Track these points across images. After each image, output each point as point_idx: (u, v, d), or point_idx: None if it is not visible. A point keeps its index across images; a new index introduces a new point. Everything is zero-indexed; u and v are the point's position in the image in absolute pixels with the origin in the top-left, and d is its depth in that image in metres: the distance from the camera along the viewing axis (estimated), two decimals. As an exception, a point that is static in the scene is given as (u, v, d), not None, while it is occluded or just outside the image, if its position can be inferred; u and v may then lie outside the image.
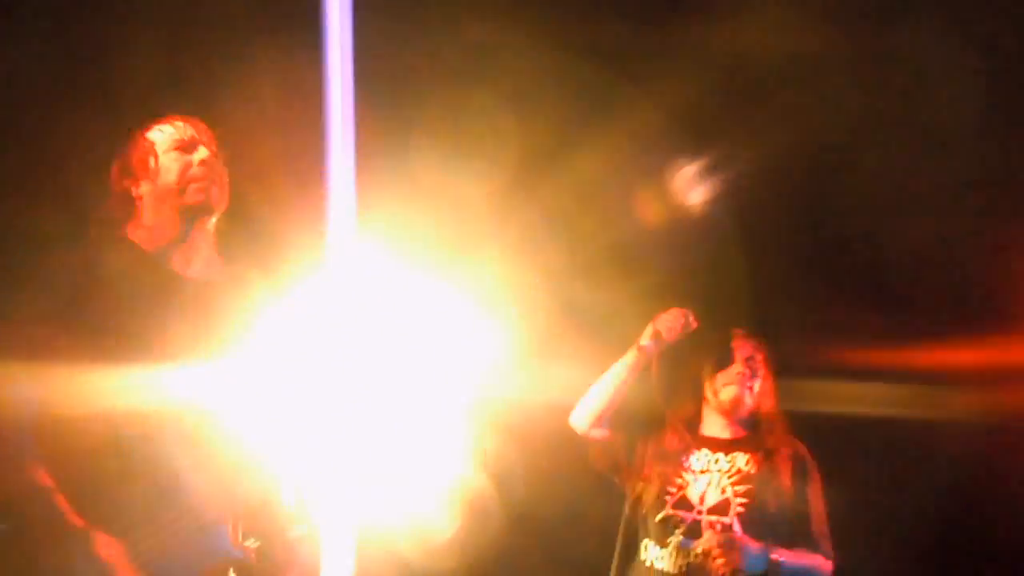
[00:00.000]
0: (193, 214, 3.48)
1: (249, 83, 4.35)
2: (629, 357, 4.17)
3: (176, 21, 4.38)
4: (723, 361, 4.14)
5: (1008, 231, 4.83)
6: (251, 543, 3.56)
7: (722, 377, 4.12)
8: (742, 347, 4.16)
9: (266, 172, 4.19)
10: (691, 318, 4.15)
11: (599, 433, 4.21)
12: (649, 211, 4.90)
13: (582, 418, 4.21)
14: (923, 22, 4.53)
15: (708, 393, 4.17)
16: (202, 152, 3.49)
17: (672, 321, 4.14)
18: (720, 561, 3.86)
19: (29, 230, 4.16)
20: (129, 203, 3.50)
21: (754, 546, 3.90)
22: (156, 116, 3.58)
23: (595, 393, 4.21)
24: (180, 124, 3.54)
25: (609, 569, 4.20)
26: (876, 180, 4.80)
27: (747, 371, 4.11)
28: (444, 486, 4.47)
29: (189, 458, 3.42)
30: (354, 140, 3.97)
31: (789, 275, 4.82)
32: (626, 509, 4.19)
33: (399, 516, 4.34)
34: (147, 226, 3.47)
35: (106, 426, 3.33)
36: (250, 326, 3.52)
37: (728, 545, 3.87)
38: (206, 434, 3.44)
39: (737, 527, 3.93)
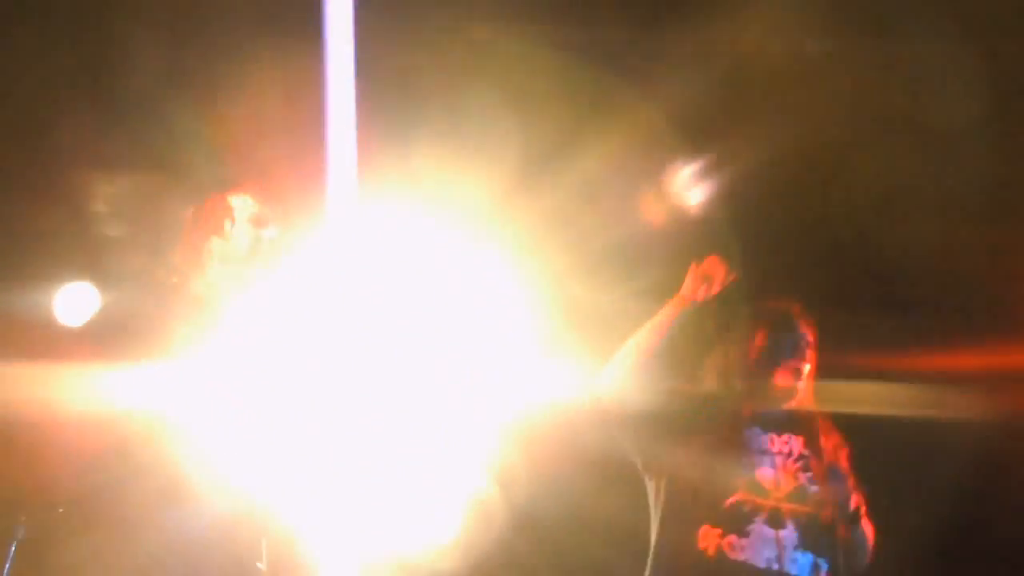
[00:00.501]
0: (251, 281, 3.81)
1: (249, 82, 4.37)
2: (668, 308, 3.76)
3: (176, 20, 4.39)
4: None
5: (1011, 232, 4.84)
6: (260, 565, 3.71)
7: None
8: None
9: (268, 172, 4.22)
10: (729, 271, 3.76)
11: (629, 394, 3.73)
12: (651, 210, 4.89)
13: (610, 381, 3.75)
14: (924, 22, 4.53)
15: (758, 372, 3.88)
16: (272, 231, 3.83)
17: (714, 268, 3.74)
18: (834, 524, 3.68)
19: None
20: (197, 254, 3.80)
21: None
22: (233, 183, 3.91)
23: (627, 351, 3.74)
24: (259, 198, 3.87)
25: (613, 569, 4.14)
26: (878, 181, 4.80)
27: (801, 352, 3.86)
28: (446, 488, 4.47)
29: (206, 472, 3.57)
30: (355, 139, 4.00)
31: (789, 275, 4.80)
32: (659, 495, 3.83)
33: (402, 518, 4.34)
34: (209, 281, 3.79)
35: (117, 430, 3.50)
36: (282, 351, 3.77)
37: (843, 507, 3.73)
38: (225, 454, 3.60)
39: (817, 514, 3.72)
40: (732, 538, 3.67)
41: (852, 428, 4.30)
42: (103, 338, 3.64)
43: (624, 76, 4.65)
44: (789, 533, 3.69)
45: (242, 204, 3.86)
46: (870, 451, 4.57)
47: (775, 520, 3.69)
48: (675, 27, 4.53)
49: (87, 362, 3.57)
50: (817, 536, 3.71)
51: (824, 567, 3.72)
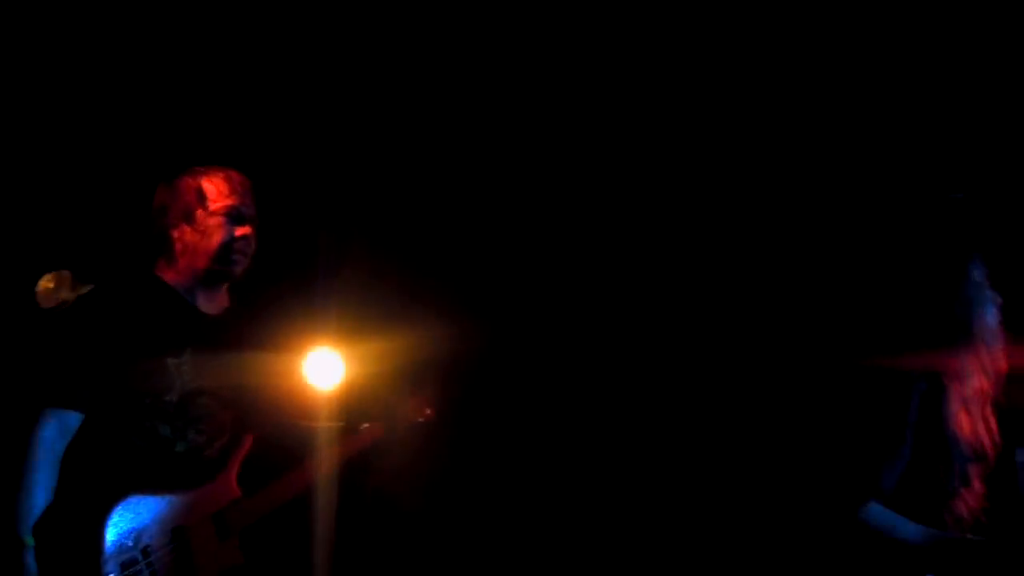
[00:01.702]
0: (221, 276, 3.73)
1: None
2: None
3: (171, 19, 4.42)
4: None
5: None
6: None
7: None
8: None
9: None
10: None
11: None
12: (649, 211, 4.81)
13: None
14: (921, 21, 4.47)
15: None
16: (246, 228, 3.70)
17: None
18: None
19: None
20: (166, 243, 3.70)
21: None
22: (205, 164, 3.76)
23: None
24: (233, 189, 3.71)
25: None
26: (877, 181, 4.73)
27: None
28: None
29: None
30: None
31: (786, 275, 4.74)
32: None
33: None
34: (178, 268, 3.70)
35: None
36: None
37: None
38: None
39: None
40: None
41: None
42: (82, 327, 3.57)
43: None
44: None
45: (214, 191, 3.69)
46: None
47: None
48: (675, 25, 4.48)
49: (64, 350, 3.55)
50: None
51: None
